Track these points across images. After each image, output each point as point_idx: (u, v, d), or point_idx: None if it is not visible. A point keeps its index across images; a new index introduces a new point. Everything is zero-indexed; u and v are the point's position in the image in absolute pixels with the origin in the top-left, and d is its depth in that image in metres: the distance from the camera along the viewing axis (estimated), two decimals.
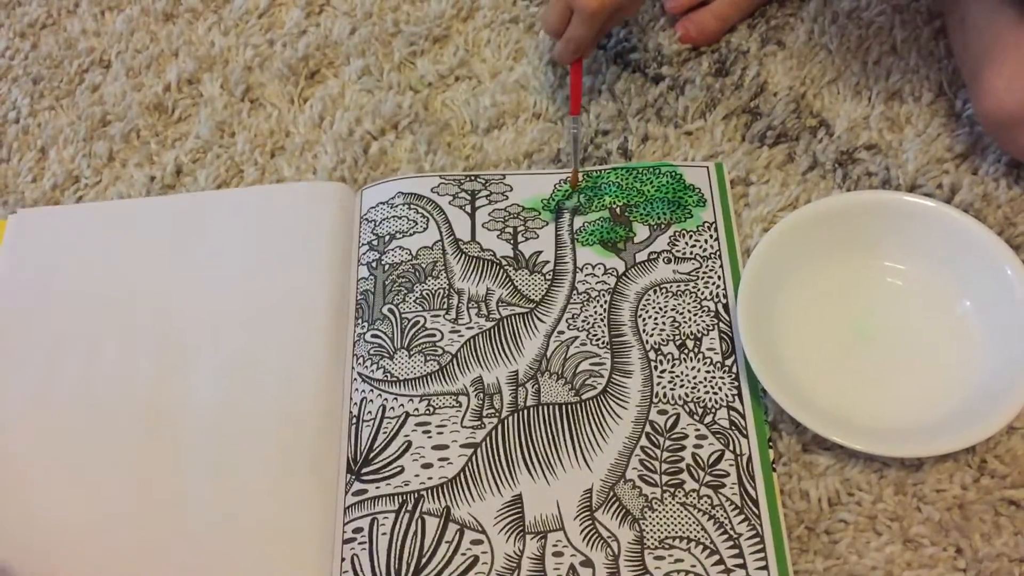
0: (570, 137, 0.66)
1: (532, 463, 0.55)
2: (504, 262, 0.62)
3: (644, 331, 0.58)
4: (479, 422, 0.56)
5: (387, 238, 0.63)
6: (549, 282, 0.61)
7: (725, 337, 0.58)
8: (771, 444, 0.55)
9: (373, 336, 0.59)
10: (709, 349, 0.57)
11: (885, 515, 0.53)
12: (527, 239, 0.62)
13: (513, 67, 0.72)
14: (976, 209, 0.61)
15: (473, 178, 0.65)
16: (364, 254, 0.62)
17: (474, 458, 0.55)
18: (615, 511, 0.53)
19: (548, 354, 0.58)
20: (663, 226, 0.62)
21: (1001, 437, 0.54)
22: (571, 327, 0.59)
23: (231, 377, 0.59)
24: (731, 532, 0.52)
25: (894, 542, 0.52)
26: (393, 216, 0.63)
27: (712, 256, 0.61)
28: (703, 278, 0.60)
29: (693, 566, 0.51)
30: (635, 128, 0.67)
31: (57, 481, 0.56)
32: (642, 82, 0.70)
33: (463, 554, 0.52)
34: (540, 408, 0.56)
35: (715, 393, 0.56)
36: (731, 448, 0.54)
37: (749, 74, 0.69)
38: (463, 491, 0.54)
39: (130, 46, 0.76)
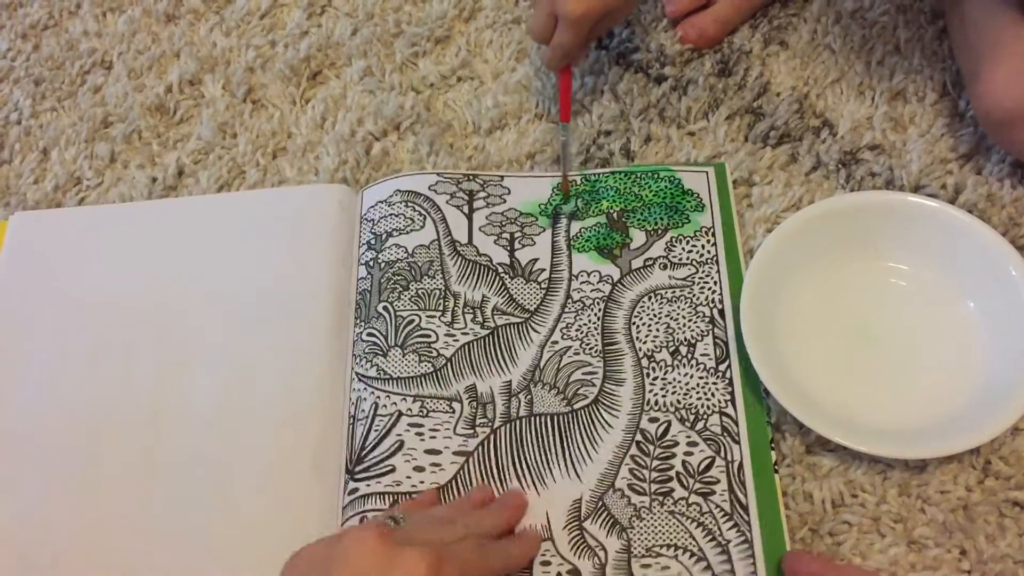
0: (560, 144, 0.65)
1: (523, 474, 0.54)
2: (500, 269, 0.61)
3: (637, 338, 0.58)
4: (472, 431, 0.56)
5: (384, 236, 0.62)
6: (544, 291, 0.60)
7: (719, 343, 0.57)
8: (773, 446, 0.54)
9: (368, 334, 0.59)
10: (703, 355, 0.57)
11: (889, 517, 0.53)
12: (524, 246, 0.62)
13: (515, 68, 0.71)
14: (980, 209, 0.61)
15: (471, 178, 0.65)
16: (363, 253, 0.62)
17: (466, 467, 0.55)
18: (603, 521, 0.53)
19: (541, 364, 0.58)
20: (660, 232, 0.62)
21: (1005, 438, 0.54)
22: (565, 337, 0.59)
23: (233, 378, 0.58)
24: (720, 539, 0.51)
25: (898, 544, 0.52)
26: (391, 214, 0.63)
27: (709, 261, 0.60)
28: (699, 283, 0.60)
29: (680, 573, 0.51)
30: (638, 129, 0.67)
31: (59, 482, 0.56)
32: (644, 83, 0.70)
33: None
34: (532, 419, 0.56)
35: (707, 399, 0.56)
36: (722, 455, 0.54)
37: (752, 74, 0.69)
38: (454, 499, 0.54)
39: (132, 47, 0.76)
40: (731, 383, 0.56)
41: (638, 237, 0.62)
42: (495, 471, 0.55)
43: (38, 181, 0.70)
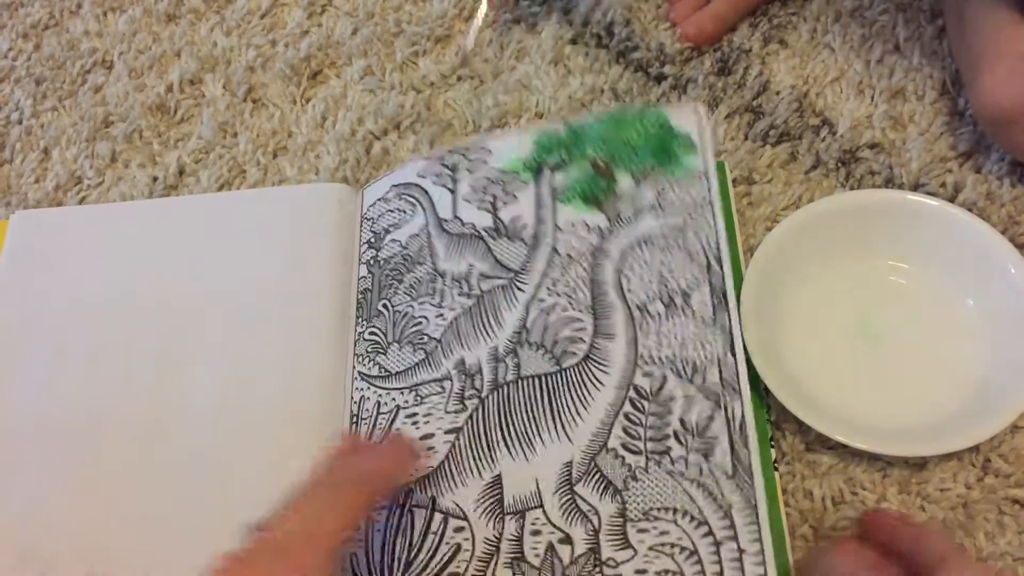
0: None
1: (511, 440, 0.52)
2: (484, 234, 0.59)
3: (629, 290, 0.55)
4: (461, 405, 0.54)
5: (382, 233, 0.62)
6: (529, 247, 0.58)
7: (716, 291, 0.54)
8: (773, 443, 0.54)
9: (371, 333, 0.59)
10: (699, 304, 0.54)
11: None
12: (506, 204, 0.60)
13: (515, 67, 0.72)
14: (979, 208, 0.61)
15: (453, 151, 0.63)
16: (364, 253, 0.62)
17: (457, 443, 0.53)
18: (596, 483, 0.50)
19: (528, 324, 0.55)
20: (649, 175, 0.58)
21: (1005, 436, 0.54)
22: (551, 293, 0.56)
23: (233, 379, 0.59)
24: (721, 502, 0.49)
25: None
26: (387, 210, 0.63)
27: (702, 205, 0.56)
28: (692, 229, 0.56)
29: (679, 538, 0.48)
30: None
31: (59, 481, 0.56)
32: (644, 81, 0.70)
33: (447, 543, 0.51)
34: (520, 383, 0.54)
35: (705, 350, 0.52)
36: (723, 409, 0.51)
37: (752, 73, 0.69)
38: (447, 479, 0.52)
39: (132, 47, 0.77)
40: (729, 332, 0.53)
41: (626, 183, 0.58)
42: (483, 441, 0.53)
43: (39, 181, 0.70)
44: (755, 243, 0.61)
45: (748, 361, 0.54)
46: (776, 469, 0.53)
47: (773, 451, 0.54)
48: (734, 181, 0.64)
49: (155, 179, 0.69)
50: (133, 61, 0.76)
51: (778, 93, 0.68)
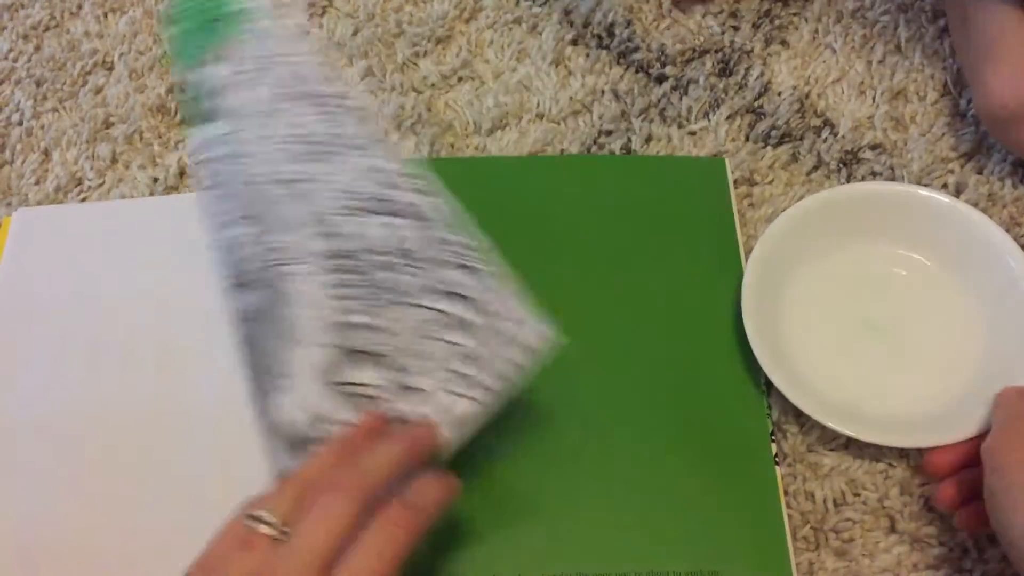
0: None
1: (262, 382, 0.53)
2: None
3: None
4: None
5: None
6: None
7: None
8: (774, 438, 0.54)
9: None
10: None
11: (891, 515, 0.53)
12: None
13: (516, 68, 0.71)
14: (981, 209, 0.61)
15: None
16: None
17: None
18: (357, 362, 0.50)
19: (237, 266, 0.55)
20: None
21: None
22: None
23: (234, 377, 0.58)
24: (462, 291, 0.49)
25: (903, 543, 0.52)
26: None
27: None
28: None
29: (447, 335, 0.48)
30: (639, 128, 0.67)
31: (59, 481, 0.56)
32: (645, 82, 0.70)
33: None
34: (242, 325, 0.54)
35: (370, 178, 0.51)
36: (404, 216, 0.50)
37: (753, 74, 0.69)
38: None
39: (133, 48, 0.76)
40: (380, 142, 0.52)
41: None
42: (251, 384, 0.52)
43: (39, 182, 0.70)
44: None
45: (746, 354, 0.54)
46: (777, 464, 0.53)
47: (773, 446, 0.54)
48: (735, 182, 0.64)
49: (155, 180, 0.69)
50: (134, 62, 0.75)
51: (779, 94, 0.68)
